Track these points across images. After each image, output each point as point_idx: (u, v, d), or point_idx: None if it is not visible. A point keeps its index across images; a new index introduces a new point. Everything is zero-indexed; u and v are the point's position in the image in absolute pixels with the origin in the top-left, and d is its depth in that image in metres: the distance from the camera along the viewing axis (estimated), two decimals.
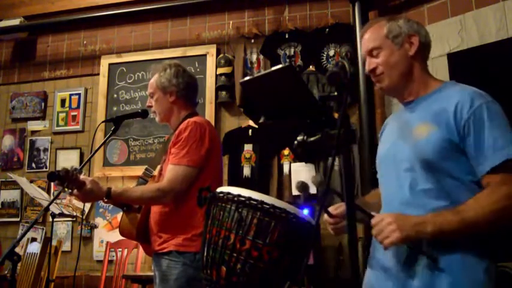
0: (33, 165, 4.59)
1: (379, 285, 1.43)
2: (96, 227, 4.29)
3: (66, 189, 1.93)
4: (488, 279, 1.30)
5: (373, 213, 1.32)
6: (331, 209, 1.48)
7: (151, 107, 2.26)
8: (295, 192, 3.73)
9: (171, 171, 2.03)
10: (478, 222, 1.25)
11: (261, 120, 1.25)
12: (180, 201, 2.04)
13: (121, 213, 2.25)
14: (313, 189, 1.68)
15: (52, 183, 4.48)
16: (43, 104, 4.69)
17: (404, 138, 1.45)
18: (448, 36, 3.32)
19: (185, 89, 2.24)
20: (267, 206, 1.34)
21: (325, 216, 1.47)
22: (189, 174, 2.02)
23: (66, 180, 1.88)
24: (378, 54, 1.48)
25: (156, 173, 2.32)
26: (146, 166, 2.34)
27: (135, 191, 2.06)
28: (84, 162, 2.39)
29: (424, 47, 1.50)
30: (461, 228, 1.25)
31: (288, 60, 4.02)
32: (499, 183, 1.26)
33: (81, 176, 1.96)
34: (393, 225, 1.25)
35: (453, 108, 1.34)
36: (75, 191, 1.95)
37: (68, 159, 4.41)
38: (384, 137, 1.64)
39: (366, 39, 1.53)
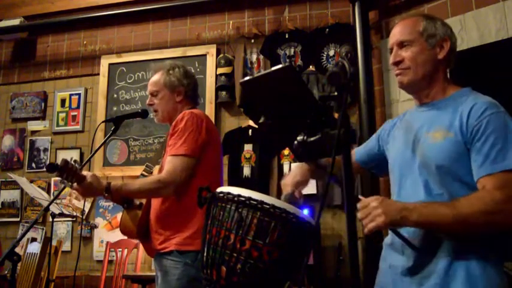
0: (33, 165, 4.60)
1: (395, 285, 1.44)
2: (96, 227, 4.29)
3: (65, 181, 1.92)
4: (502, 279, 1.32)
5: (360, 196, 1.33)
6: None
7: (152, 105, 2.24)
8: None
9: (169, 162, 2.01)
10: (465, 219, 1.25)
11: (261, 120, 1.25)
12: (181, 196, 2.02)
13: (121, 213, 2.25)
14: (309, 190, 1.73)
15: (52, 184, 4.49)
16: (43, 104, 4.69)
17: (416, 142, 1.45)
18: None
19: (192, 90, 2.25)
20: (267, 206, 1.34)
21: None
22: (187, 164, 2.00)
23: (66, 171, 1.88)
24: (407, 49, 1.46)
25: (156, 171, 2.32)
26: (147, 163, 2.34)
27: (134, 184, 2.04)
28: (84, 162, 2.39)
29: (452, 54, 1.49)
30: (447, 222, 1.26)
31: (288, 60, 4.02)
32: (493, 188, 1.27)
33: (83, 172, 1.96)
34: (379, 209, 1.26)
35: (466, 115, 1.35)
36: (75, 184, 1.95)
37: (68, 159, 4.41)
38: (393, 138, 1.62)
39: (398, 31, 1.50)
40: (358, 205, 1.29)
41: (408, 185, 1.45)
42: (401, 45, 1.48)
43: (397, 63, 1.48)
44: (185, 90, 2.22)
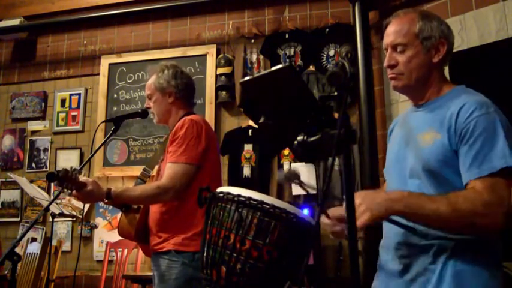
0: (33, 165, 4.59)
1: None
2: (96, 227, 4.29)
3: (65, 189, 1.93)
4: (494, 281, 1.31)
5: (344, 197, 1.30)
6: (329, 211, 1.47)
7: (150, 108, 2.27)
8: (295, 192, 3.73)
9: (169, 169, 2.03)
10: (450, 216, 1.23)
11: (261, 120, 1.25)
12: (180, 200, 2.03)
13: (121, 213, 2.25)
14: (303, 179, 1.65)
15: (52, 184, 4.48)
16: (43, 104, 4.69)
17: (410, 144, 1.44)
18: None
19: (184, 90, 2.24)
20: (267, 206, 1.34)
21: (323, 218, 1.45)
22: (188, 171, 2.02)
23: (66, 180, 1.89)
24: (402, 52, 1.42)
25: (154, 173, 2.32)
26: (144, 167, 2.34)
27: (134, 190, 2.06)
28: (84, 162, 2.39)
29: (448, 54, 1.45)
30: (432, 217, 1.24)
31: (288, 60, 4.02)
32: (482, 189, 1.25)
33: (81, 177, 1.97)
34: (363, 205, 1.24)
35: (455, 116, 1.33)
36: (74, 191, 1.95)
37: (68, 159, 4.41)
38: (391, 140, 1.61)
39: (394, 31, 1.44)
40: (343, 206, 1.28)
41: (401, 186, 1.44)
42: (395, 47, 1.43)
43: (391, 67, 1.44)
44: (175, 92, 2.21)
